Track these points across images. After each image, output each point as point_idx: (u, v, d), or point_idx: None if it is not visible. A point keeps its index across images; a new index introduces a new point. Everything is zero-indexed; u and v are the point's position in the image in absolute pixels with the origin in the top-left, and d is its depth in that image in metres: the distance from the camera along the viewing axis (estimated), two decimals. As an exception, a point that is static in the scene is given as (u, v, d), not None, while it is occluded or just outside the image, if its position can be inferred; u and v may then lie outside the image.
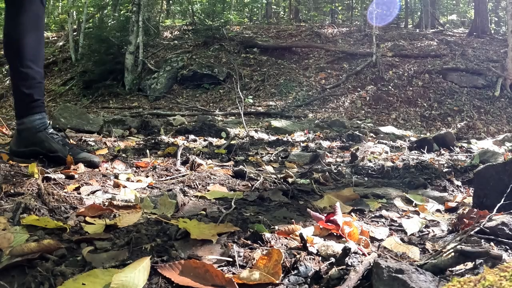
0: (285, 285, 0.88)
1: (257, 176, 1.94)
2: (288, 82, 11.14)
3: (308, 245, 1.02)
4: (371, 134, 5.12)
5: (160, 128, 4.47)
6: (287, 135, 4.82)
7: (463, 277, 0.85)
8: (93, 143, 2.80)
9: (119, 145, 2.80)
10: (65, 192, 1.41)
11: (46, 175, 1.55)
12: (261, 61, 12.30)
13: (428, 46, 12.64)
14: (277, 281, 0.87)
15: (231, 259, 0.95)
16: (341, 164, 2.68)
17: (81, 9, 14.94)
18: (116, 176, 1.74)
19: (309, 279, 0.90)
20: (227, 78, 11.42)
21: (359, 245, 1.08)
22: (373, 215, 1.49)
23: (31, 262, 0.87)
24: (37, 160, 1.75)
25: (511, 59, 10.11)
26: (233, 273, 0.90)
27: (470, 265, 0.93)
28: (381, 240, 1.21)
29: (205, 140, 3.58)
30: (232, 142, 3.31)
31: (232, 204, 1.43)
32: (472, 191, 1.70)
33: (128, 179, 1.72)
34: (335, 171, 2.38)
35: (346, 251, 0.96)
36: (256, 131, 5.02)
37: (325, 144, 3.94)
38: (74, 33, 14.58)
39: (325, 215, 1.19)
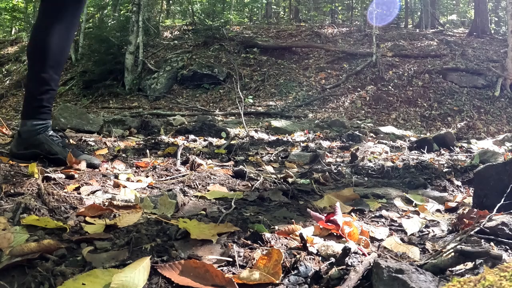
0: (285, 285, 0.88)
1: (257, 176, 1.94)
2: (288, 82, 11.14)
3: (308, 245, 1.02)
4: (371, 134, 5.12)
5: (160, 128, 4.47)
6: (287, 135, 4.82)
7: (463, 277, 0.85)
8: (93, 143, 2.80)
9: (119, 145, 2.80)
10: (65, 192, 1.41)
11: (46, 174, 1.55)
12: (261, 61, 12.30)
13: (428, 46, 12.64)
14: (277, 281, 0.87)
15: (231, 259, 0.95)
16: (341, 164, 2.68)
17: (81, 9, 14.90)
18: (116, 176, 1.74)
19: (309, 279, 0.90)
20: (227, 78, 11.42)
21: (359, 245, 1.08)
22: (373, 215, 1.49)
23: (31, 262, 0.87)
24: (37, 160, 1.75)
25: (511, 59, 10.11)
26: (233, 273, 0.90)
27: (470, 265, 0.93)
28: (381, 240, 1.21)
29: (205, 140, 3.58)
30: (232, 142, 3.31)
31: (232, 204, 1.43)
32: (472, 191, 1.70)
33: (128, 179, 1.72)
34: (335, 171, 2.38)
35: (346, 251, 0.96)
36: (256, 131, 5.02)
37: (325, 144, 3.94)
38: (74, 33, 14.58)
39: (325, 215, 1.19)
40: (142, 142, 3.15)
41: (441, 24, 17.49)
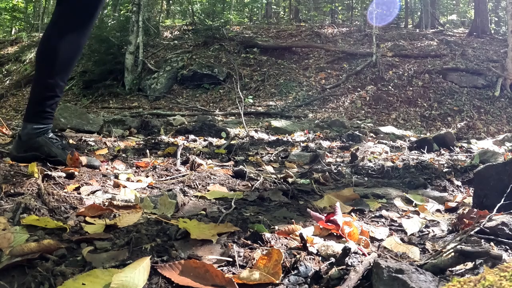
0: (285, 285, 0.88)
1: (257, 176, 1.94)
2: (288, 82, 11.14)
3: (308, 245, 1.02)
4: (371, 134, 5.12)
5: (160, 128, 4.47)
6: (287, 135, 4.82)
7: (463, 277, 0.85)
8: (93, 143, 2.80)
9: (119, 145, 2.80)
10: (65, 192, 1.41)
11: (46, 173, 1.55)
12: (261, 61, 12.30)
13: (428, 46, 12.64)
14: (277, 281, 0.87)
15: (231, 259, 0.95)
16: (341, 164, 2.68)
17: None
18: (116, 176, 1.74)
19: (309, 279, 0.90)
20: (227, 78, 11.42)
21: (359, 245, 1.08)
22: (373, 215, 1.49)
23: (31, 262, 0.87)
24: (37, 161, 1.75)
25: (511, 59, 10.11)
26: (233, 273, 0.90)
27: (470, 265, 0.93)
28: (381, 240, 1.21)
29: (205, 140, 3.58)
30: (232, 142, 3.31)
31: (232, 204, 1.43)
32: (472, 191, 1.70)
33: (128, 179, 1.72)
34: (335, 171, 2.38)
35: (346, 251, 0.95)
36: (256, 131, 5.02)
37: (325, 144, 3.94)
38: (74, 33, 14.55)
39: (325, 215, 1.19)
40: (142, 142, 3.15)
41: (441, 24, 17.49)
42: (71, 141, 2.78)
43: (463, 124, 9.18)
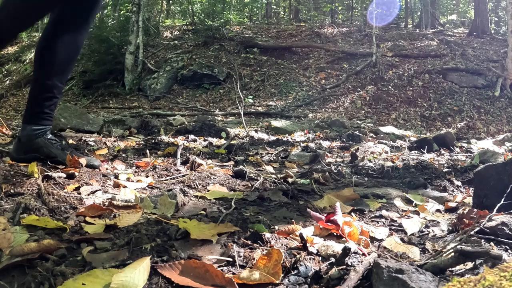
0: (285, 285, 0.88)
1: (257, 176, 1.94)
2: (288, 82, 11.14)
3: (308, 245, 1.02)
4: (371, 134, 5.12)
5: (160, 128, 4.47)
6: (287, 135, 4.82)
7: (463, 277, 0.85)
8: (93, 143, 2.80)
9: (119, 145, 2.80)
10: (65, 192, 1.41)
11: (46, 173, 1.55)
12: (261, 61, 12.30)
13: (428, 46, 12.65)
14: (277, 281, 0.87)
15: (231, 259, 0.95)
16: (341, 164, 2.68)
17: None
18: (116, 176, 1.74)
19: (309, 279, 0.90)
20: (227, 78, 11.43)
21: (359, 245, 1.08)
22: (373, 215, 1.49)
23: (31, 262, 0.87)
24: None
25: (511, 59, 10.12)
26: (233, 273, 0.90)
27: (470, 265, 0.93)
28: (381, 240, 1.21)
29: (205, 140, 3.58)
30: (232, 142, 3.31)
31: (232, 204, 1.43)
32: (472, 191, 1.70)
33: (128, 179, 1.72)
34: (335, 171, 2.38)
35: (346, 251, 0.95)
36: (256, 131, 5.02)
37: (325, 144, 3.94)
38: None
39: (325, 215, 1.19)
40: (142, 142, 3.15)
41: (441, 24, 17.49)
42: (71, 141, 2.78)
43: (463, 124, 9.19)
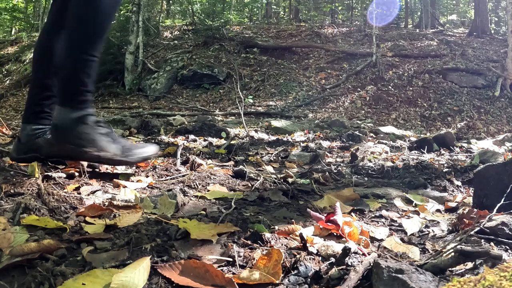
0: (285, 285, 0.88)
1: (257, 176, 1.94)
2: (288, 82, 11.14)
3: (308, 245, 1.02)
4: (371, 134, 5.12)
5: (160, 128, 4.47)
6: (287, 135, 4.82)
7: (463, 277, 0.85)
8: (93, 143, 2.80)
9: (119, 145, 2.80)
10: (65, 192, 1.41)
11: (46, 173, 1.55)
12: (261, 61, 12.30)
13: (428, 46, 12.65)
14: (277, 281, 0.87)
15: (231, 259, 0.95)
16: (341, 164, 2.68)
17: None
18: (116, 176, 1.74)
19: (309, 279, 0.90)
20: (227, 78, 11.43)
21: (359, 245, 1.08)
22: (373, 215, 1.49)
23: (31, 262, 0.87)
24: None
25: (511, 59, 10.12)
26: (233, 273, 0.90)
27: (470, 265, 0.93)
28: (381, 240, 1.21)
29: (205, 140, 3.58)
30: (232, 142, 3.31)
31: (232, 204, 1.43)
32: (472, 191, 1.70)
33: (128, 179, 1.72)
34: (335, 171, 2.38)
35: (346, 251, 0.95)
36: (256, 131, 5.02)
37: (325, 144, 3.95)
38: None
39: (325, 215, 1.19)
40: (142, 142, 3.15)
41: (441, 24, 17.49)
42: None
43: (463, 124, 9.19)
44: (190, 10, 16.36)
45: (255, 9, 22.22)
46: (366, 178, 2.28)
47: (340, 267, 0.93)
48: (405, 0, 17.94)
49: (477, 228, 1.14)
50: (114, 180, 1.66)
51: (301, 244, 1.04)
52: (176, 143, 3.14)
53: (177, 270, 0.86)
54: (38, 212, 1.17)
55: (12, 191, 1.32)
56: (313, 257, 0.97)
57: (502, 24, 18.32)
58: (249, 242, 1.04)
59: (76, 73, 1.65)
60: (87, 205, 1.28)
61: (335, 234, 1.15)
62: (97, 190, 1.52)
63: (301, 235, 1.04)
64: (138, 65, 11.78)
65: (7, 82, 13.88)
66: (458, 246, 0.92)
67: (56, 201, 1.27)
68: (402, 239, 1.22)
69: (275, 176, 2.00)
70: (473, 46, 12.58)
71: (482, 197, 1.52)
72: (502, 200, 1.31)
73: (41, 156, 1.79)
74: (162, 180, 1.78)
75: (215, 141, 3.59)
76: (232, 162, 2.42)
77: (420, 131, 8.03)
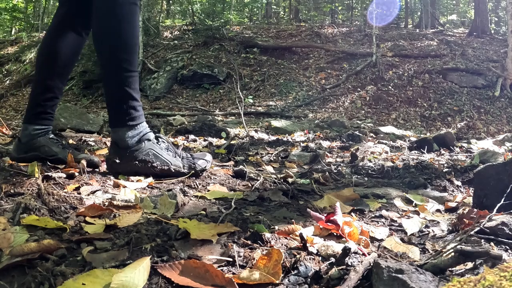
0: (285, 285, 0.88)
1: (257, 176, 1.94)
2: (288, 82, 11.14)
3: (308, 245, 1.02)
4: (371, 134, 5.12)
5: (160, 128, 4.47)
6: (287, 135, 4.82)
7: (463, 277, 0.85)
8: (93, 143, 2.80)
9: (119, 145, 2.79)
10: (65, 192, 1.41)
11: (46, 173, 1.55)
12: (261, 61, 12.30)
13: (428, 46, 12.65)
14: (277, 281, 0.87)
15: (231, 259, 0.95)
16: (341, 164, 2.68)
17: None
18: (116, 176, 1.74)
19: (309, 279, 0.90)
20: (227, 78, 11.43)
21: (359, 245, 1.08)
22: (373, 215, 1.49)
23: (31, 262, 0.87)
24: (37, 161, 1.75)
25: (511, 59, 10.12)
26: (233, 273, 0.90)
27: (470, 265, 0.93)
28: (381, 240, 1.21)
29: (205, 140, 3.58)
30: (232, 142, 3.31)
31: (232, 204, 1.43)
32: (472, 191, 1.70)
33: (128, 179, 1.72)
34: (335, 171, 2.38)
35: (346, 251, 0.95)
36: (256, 131, 5.02)
37: (325, 144, 3.95)
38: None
39: (325, 215, 1.19)
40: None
41: (441, 24, 17.49)
42: (71, 141, 2.78)
43: (463, 124, 9.19)
44: (190, 10, 16.36)
45: (255, 9, 22.22)
46: (366, 178, 2.27)
47: (340, 267, 0.93)
48: (405, 0, 17.94)
49: (477, 228, 1.14)
50: (114, 180, 1.66)
51: (301, 244, 1.04)
52: (176, 143, 3.14)
53: (177, 270, 0.86)
54: (38, 212, 1.17)
55: (12, 191, 1.32)
56: (313, 257, 0.97)
57: (502, 24, 18.32)
58: (249, 242, 1.04)
59: (125, 93, 1.69)
60: (87, 205, 1.27)
61: (335, 234, 1.15)
62: (97, 190, 1.52)
63: (301, 235, 1.04)
64: (138, 65, 11.77)
65: (7, 82, 13.88)
66: (458, 246, 0.92)
67: (56, 201, 1.27)
68: (402, 239, 1.22)
69: (275, 176, 2.00)
70: (473, 46, 12.58)
71: (482, 197, 1.52)
72: (502, 200, 1.31)
73: (41, 155, 1.79)
74: (162, 180, 1.78)
75: (215, 141, 3.59)
76: (232, 162, 2.42)
77: (420, 131, 8.03)
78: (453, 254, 0.91)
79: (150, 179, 1.75)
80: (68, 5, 1.84)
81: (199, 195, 1.56)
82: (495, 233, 1.13)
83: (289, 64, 12.11)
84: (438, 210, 1.63)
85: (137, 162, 1.70)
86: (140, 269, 0.83)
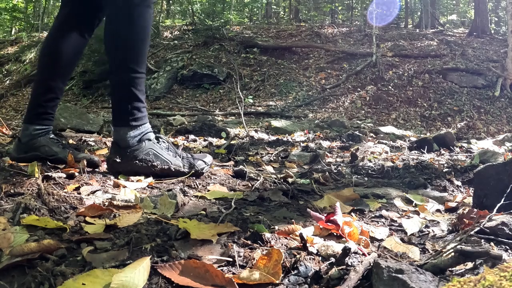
0: (285, 285, 0.88)
1: (257, 176, 1.94)
2: (288, 82, 11.14)
3: (308, 245, 1.02)
4: (371, 134, 5.12)
5: (160, 128, 4.47)
6: (287, 135, 4.82)
7: (463, 277, 0.85)
8: (93, 143, 2.80)
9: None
10: (65, 192, 1.41)
11: (46, 173, 1.55)
12: (261, 61, 12.30)
13: (428, 46, 12.65)
14: (277, 281, 0.87)
15: (231, 259, 0.95)
16: (341, 164, 2.68)
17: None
18: (116, 176, 1.74)
19: (309, 279, 0.90)
20: (227, 78, 11.43)
21: (359, 245, 1.08)
22: (373, 215, 1.49)
23: (31, 262, 0.87)
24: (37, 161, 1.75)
25: (511, 59, 10.12)
26: (233, 273, 0.90)
27: (470, 265, 0.93)
28: (381, 240, 1.21)
29: (205, 140, 3.58)
30: (232, 142, 3.31)
31: (232, 204, 1.43)
32: (472, 191, 1.70)
33: (128, 179, 1.72)
34: (335, 171, 2.38)
35: (346, 251, 0.95)
36: (256, 131, 5.02)
37: (325, 144, 3.95)
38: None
39: (325, 215, 1.19)
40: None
41: (441, 24, 17.49)
42: (71, 141, 2.78)
43: (463, 124, 9.19)
44: (190, 10, 16.37)
45: (255, 9, 22.23)
46: (366, 178, 2.28)
47: (340, 267, 0.93)
48: (405, 0, 17.94)
49: (477, 228, 1.14)
50: (114, 180, 1.66)
51: (301, 244, 1.04)
52: (176, 143, 3.14)
53: (177, 270, 0.86)
54: (38, 212, 1.17)
55: (12, 191, 1.32)
56: (313, 257, 0.97)
57: (502, 24, 18.32)
58: (249, 242, 1.04)
59: (130, 94, 1.70)
60: (87, 205, 1.27)
61: (335, 234, 1.15)
62: (97, 190, 1.52)
63: (301, 235, 1.04)
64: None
65: (7, 82, 13.88)
66: (458, 246, 0.92)
67: (56, 201, 1.27)
68: (402, 239, 1.22)
69: (275, 176, 2.00)
70: (473, 46, 12.58)
71: (482, 197, 1.52)
72: (502, 200, 1.31)
73: (41, 155, 1.80)
74: (162, 180, 1.78)
75: (215, 141, 3.59)
76: (232, 162, 2.42)
77: (420, 131, 8.03)
78: (453, 254, 0.91)
79: (150, 179, 1.75)
80: (70, 6, 1.85)
81: (199, 195, 1.56)
82: (495, 233, 1.13)
83: (289, 64, 12.11)
84: (438, 210, 1.63)
85: (137, 162, 1.70)
86: (140, 269, 0.83)
